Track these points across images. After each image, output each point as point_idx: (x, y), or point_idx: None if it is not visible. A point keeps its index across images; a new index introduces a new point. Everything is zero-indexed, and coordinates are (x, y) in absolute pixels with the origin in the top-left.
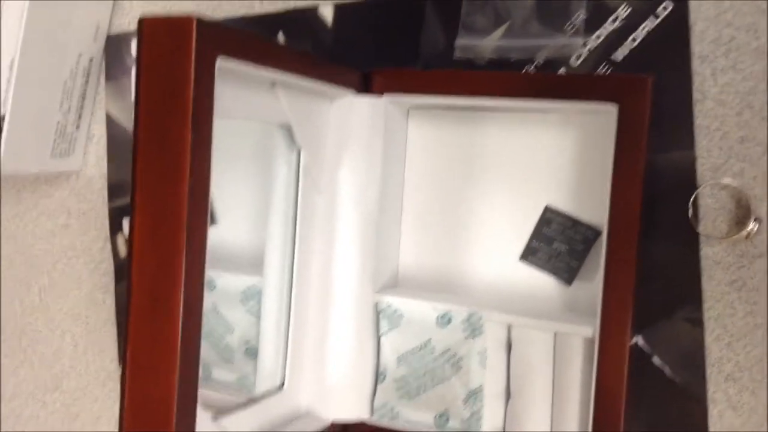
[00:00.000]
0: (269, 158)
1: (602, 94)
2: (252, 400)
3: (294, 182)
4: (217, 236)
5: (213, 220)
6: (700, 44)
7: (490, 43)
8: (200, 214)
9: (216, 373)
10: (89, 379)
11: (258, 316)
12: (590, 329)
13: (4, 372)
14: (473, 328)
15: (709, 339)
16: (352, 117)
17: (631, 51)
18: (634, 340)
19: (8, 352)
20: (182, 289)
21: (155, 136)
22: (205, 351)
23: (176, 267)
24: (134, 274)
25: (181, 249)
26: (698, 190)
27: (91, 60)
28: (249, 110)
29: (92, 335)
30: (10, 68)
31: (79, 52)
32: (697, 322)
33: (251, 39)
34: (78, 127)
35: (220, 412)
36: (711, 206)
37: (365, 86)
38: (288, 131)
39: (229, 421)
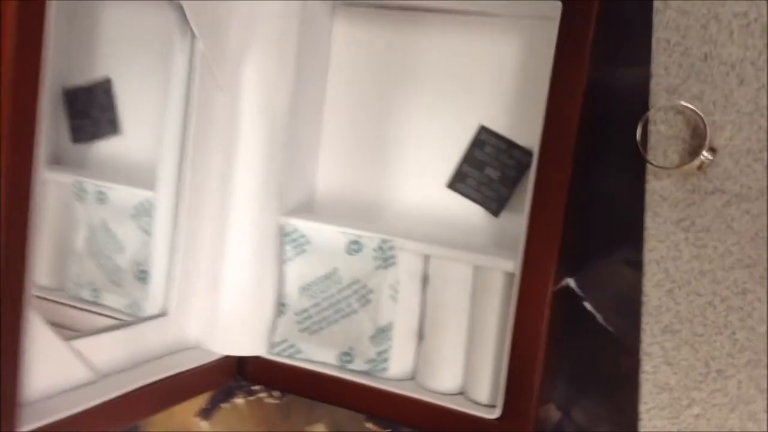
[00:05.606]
0: (168, 48)
1: None
2: (118, 326)
3: (191, 76)
4: (120, 146)
5: (117, 129)
6: None
7: None
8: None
9: (106, 298)
10: None
11: (151, 234)
12: (512, 263)
13: None
14: (385, 258)
15: (649, 285)
16: (260, 2)
17: None
18: (565, 281)
19: None
20: None
21: None
22: (93, 272)
23: None
24: None
25: None
26: (650, 113)
27: None
28: None
29: None
30: None
31: None
32: (637, 265)
33: None
34: None
35: (77, 335)
36: (663, 133)
37: None
38: (180, 9)
39: (85, 344)
